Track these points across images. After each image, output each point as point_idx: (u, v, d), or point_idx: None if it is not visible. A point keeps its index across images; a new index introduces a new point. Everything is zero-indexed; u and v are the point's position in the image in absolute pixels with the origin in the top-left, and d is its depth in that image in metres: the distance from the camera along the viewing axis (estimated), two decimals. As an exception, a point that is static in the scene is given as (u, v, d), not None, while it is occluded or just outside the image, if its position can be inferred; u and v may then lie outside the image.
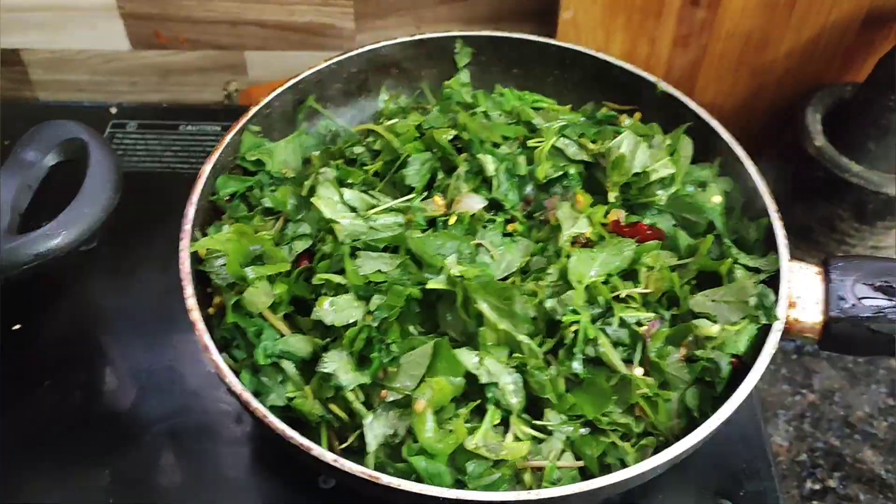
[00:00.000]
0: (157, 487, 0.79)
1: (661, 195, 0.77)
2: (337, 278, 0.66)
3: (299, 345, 0.67)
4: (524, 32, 0.93)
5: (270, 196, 0.75)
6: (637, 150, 0.77)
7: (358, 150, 0.78)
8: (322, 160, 0.80)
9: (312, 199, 0.71)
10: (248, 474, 0.79)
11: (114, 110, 1.13)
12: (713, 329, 0.66)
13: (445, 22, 1.16)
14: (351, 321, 0.64)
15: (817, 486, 0.93)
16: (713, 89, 1.15)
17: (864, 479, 0.94)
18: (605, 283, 0.68)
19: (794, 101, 1.11)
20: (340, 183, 0.76)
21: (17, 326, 0.89)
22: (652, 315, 0.67)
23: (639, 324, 0.66)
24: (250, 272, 0.68)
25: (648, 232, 0.74)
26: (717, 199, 0.78)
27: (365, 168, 0.77)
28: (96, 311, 0.92)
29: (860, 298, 0.65)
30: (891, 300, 0.65)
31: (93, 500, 0.77)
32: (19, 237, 0.65)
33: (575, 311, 0.65)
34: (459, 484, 0.60)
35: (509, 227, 0.75)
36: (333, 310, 0.64)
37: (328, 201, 0.72)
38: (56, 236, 0.65)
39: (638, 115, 0.86)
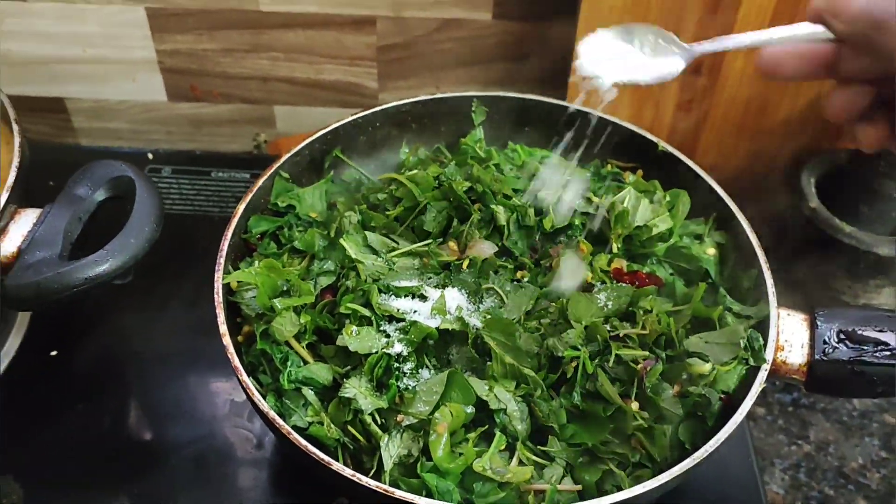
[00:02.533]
0: (179, 509, 0.83)
1: (660, 246, 0.83)
2: (362, 310, 0.72)
3: (321, 372, 0.72)
4: (535, 94, 1.00)
5: (300, 238, 0.82)
6: (639, 205, 0.83)
7: (381, 196, 0.85)
8: (347, 205, 0.86)
9: (341, 241, 0.77)
10: (266, 497, 0.84)
11: (150, 156, 1.20)
12: (705, 367, 0.70)
13: (463, 83, 1.24)
14: (373, 350, 0.70)
15: (812, 534, 0.96)
16: (714, 152, 1.21)
17: (856, 528, 0.97)
18: (604, 323, 0.74)
19: (790, 165, 1.18)
20: (363, 226, 0.82)
21: (54, 353, 0.95)
22: (648, 354, 0.72)
23: (635, 361, 0.71)
24: (278, 303, 0.74)
25: (647, 280, 0.80)
26: (712, 250, 0.84)
27: (387, 213, 0.84)
28: (127, 342, 0.98)
29: (842, 342, 0.70)
30: (871, 345, 0.70)
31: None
32: (71, 262, 0.71)
33: (575, 348, 0.70)
34: (467, 503, 0.64)
35: (518, 274, 0.80)
36: (358, 338, 0.70)
37: (353, 242, 0.78)
38: (104, 262, 0.71)
39: (640, 172, 0.93)
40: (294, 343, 0.73)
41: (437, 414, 0.65)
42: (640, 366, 0.70)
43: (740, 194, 0.88)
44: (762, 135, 1.19)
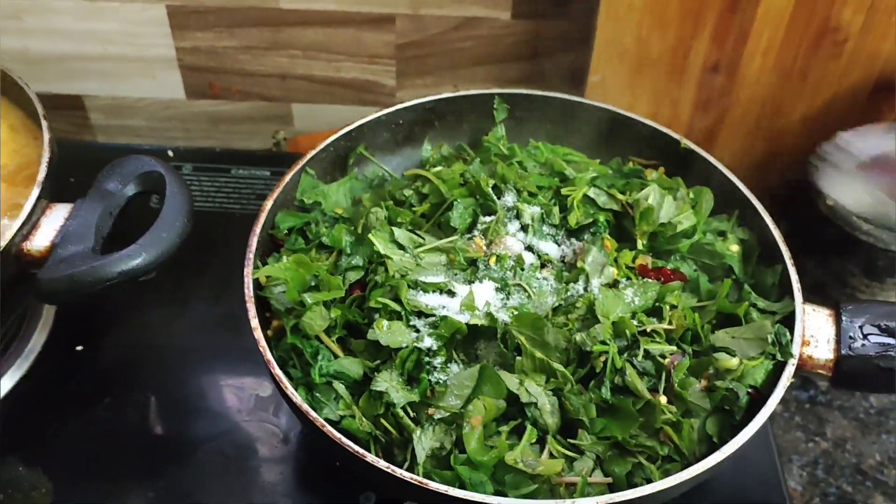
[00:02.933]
0: (204, 502, 0.84)
1: (684, 243, 0.84)
2: (393, 304, 0.73)
3: (352, 366, 0.73)
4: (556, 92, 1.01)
5: (327, 234, 0.82)
6: (663, 202, 0.84)
7: (407, 192, 0.86)
8: (373, 201, 0.87)
9: (369, 236, 0.78)
10: (291, 491, 0.84)
11: (170, 153, 1.21)
12: (732, 362, 0.71)
13: (481, 82, 1.25)
14: (404, 345, 0.71)
15: (830, 530, 0.97)
16: (731, 150, 1.22)
17: (875, 524, 0.98)
18: (631, 318, 0.74)
19: (807, 163, 1.18)
20: (390, 222, 0.83)
21: (80, 348, 0.95)
22: (675, 349, 0.73)
23: (662, 356, 0.72)
24: (308, 298, 0.74)
25: (672, 276, 0.80)
26: (735, 247, 0.85)
27: (413, 209, 0.84)
28: (152, 337, 0.98)
29: (868, 337, 0.71)
30: (896, 339, 0.71)
31: (145, 511, 0.83)
32: (105, 257, 0.72)
33: (603, 343, 0.71)
34: (499, 494, 0.65)
35: (544, 271, 0.81)
36: (389, 332, 0.71)
37: (381, 238, 0.79)
38: (138, 257, 0.72)
39: (662, 169, 0.93)
40: (324, 337, 0.74)
41: (470, 407, 0.66)
42: (667, 360, 0.71)
43: (757, 192, 0.89)
44: (779, 134, 1.20)
